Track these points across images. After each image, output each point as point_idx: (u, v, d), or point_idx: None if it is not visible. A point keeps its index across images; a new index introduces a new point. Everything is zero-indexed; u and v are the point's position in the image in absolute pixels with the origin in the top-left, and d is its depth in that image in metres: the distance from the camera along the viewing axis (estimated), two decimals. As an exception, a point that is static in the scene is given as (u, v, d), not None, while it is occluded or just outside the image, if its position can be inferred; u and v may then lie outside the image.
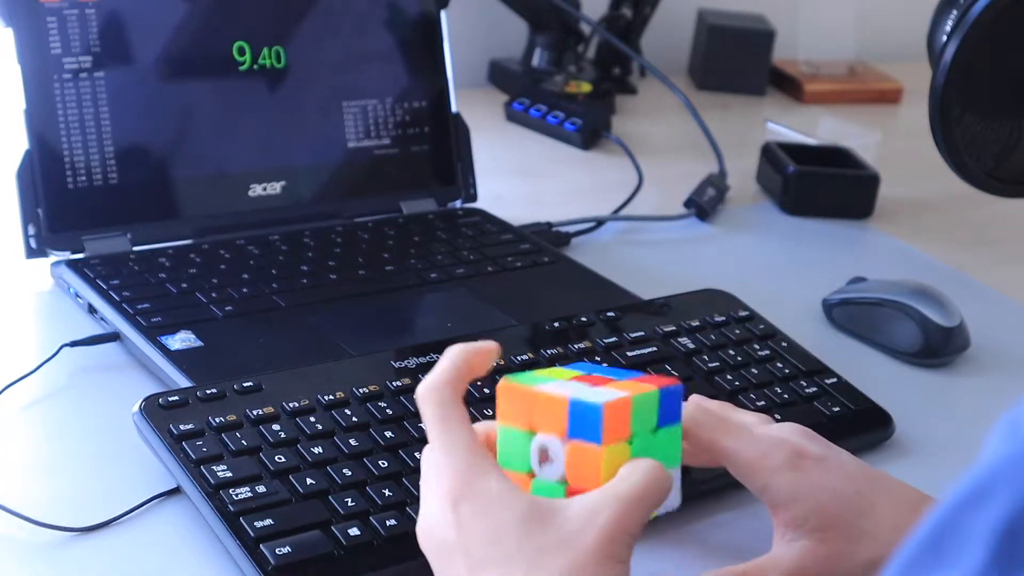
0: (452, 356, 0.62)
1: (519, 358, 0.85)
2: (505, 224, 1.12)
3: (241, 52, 1.05)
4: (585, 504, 0.56)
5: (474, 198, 1.16)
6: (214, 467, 0.71)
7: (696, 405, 0.66)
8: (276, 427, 0.75)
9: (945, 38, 0.85)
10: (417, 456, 0.74)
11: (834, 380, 0.90)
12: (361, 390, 0.79)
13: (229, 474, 0.71)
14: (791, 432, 0.67)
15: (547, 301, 1.00)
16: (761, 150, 1.34)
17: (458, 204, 1.15)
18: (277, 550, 0.67)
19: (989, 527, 0.35)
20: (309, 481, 0.72)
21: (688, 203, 1.25)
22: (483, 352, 0.62)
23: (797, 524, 0.63)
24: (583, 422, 0.60)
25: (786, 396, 0.87)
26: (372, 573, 0.68)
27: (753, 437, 0.65)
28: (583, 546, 0.54)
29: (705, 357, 0.90)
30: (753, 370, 0.89)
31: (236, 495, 0.70)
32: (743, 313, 0.96)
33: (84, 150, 0.99)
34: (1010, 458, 0.36)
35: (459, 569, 0.56)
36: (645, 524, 0.57)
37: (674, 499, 0.62)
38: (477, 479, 0.57)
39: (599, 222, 1.19)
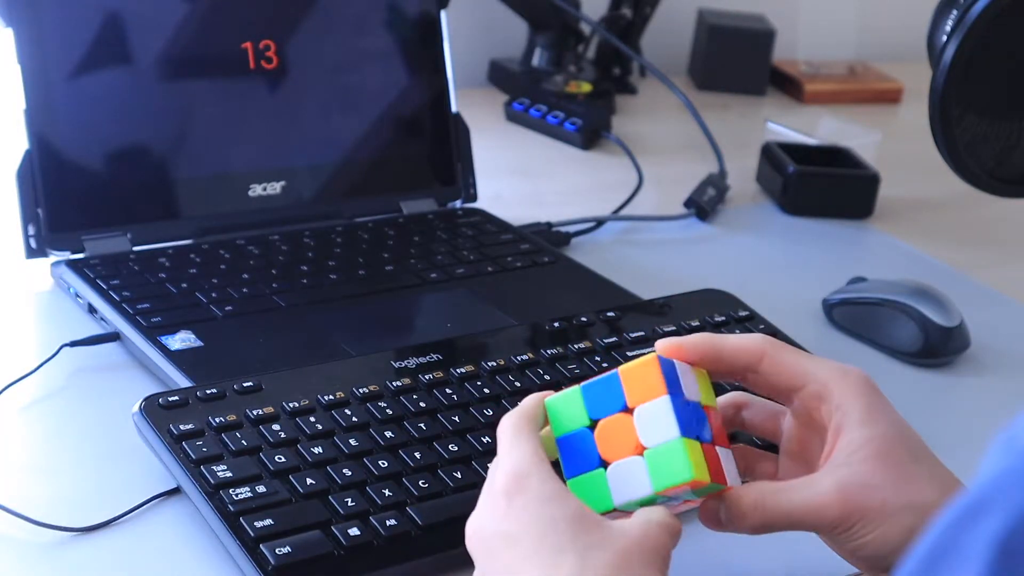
0: (533, 401, 0.64)
1: (519, 358, 0.85)
2: (505, 224, 1.12)
3: (241, 52, 1.05)
4: (630, 520, 0.58)
5: (474, 198, 1.16)
6: (214, 467, 0.71)
7: (767, 336, 0.66)
8: (276, 427, 0.75)
9: (945, 38, 0.85)
10: (417, 456, 0.75)
11: (834, 380, 0.90)
12: (361, 390, 0.79)
13: (229, 474, 0.71)
14: (855, 366, 0.66)
15: (547, 301, 1.00)
16: (761, 150, 1.34)
17: (458, 204, 1.15)
18: (277, 550, 0.67)
19: (986, 542, 0.35)
20: (309, 481, 0.72)
21: (688, 203, 1.25)
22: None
23: (856, 447, 0.61)
24: (602, 397, 0.62)
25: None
26: (372, 573, 0.68)
27: (828, 361, 0.65)
28: (627, 546, 0.56)
29: (705, 357, 0.90)
30: (753, 370, 0.89)
31: (236, 495, 0.70)
32: (743, 313, 0.96)
33: (84, 150, 0.99)
34: (1007, 474, 0.36)
35: (507, 558, 0.57)
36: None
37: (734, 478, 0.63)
38: (532, 477, 0.58)
39: (599, 222, 1.19)
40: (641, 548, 0.56)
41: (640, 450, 0.61)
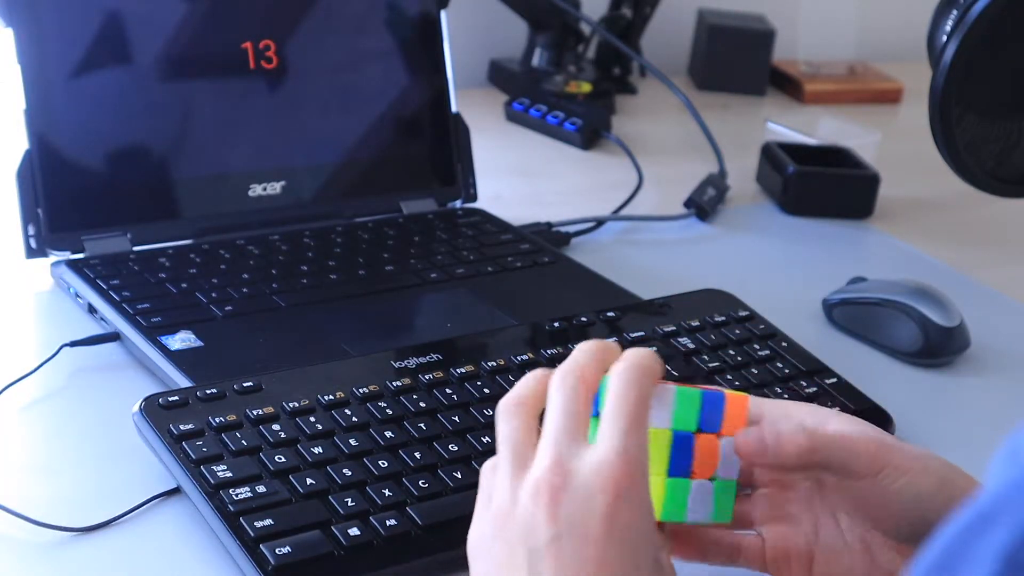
0: (657, 359, 0.59)
1: (519, 358, 0.85)
2: (505, 224, 1.12)
3: (241, 52, 1.05)
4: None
5: (474, 198, 1.16)
6: (214, 467, 0.71)
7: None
8: (276, 427, 0.75)
9: (945, 38, 0.85)
10: (417, 456, 0.75)
11: (834, 380, 0.90)
12: (361, 390, 0.79)
13: (229, 474, 0.71)
14: None
15: (547, 301, 1.00)
16: (761, 150, 1.34)
17: (458, 204, 1.15)
18: (277, 550, 0.67)
19: (993, 554, 0.35)
20: (309, 481, 0.72)
21: (688, 203, 1.25)
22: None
23: (853, 422, 0.62)
24: (711, 412, 0.62)
25: (786, 396, 0.87)
26: (372, 573, 0.68)
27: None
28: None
29: (705, 357, 0.90)
30: (753, 370, 0.89)
31: (236, 495, 0.70)
32: (743, 313, 0.96)
33: (84, 150, 0.99)
34: (1013, 485, 0.36)
35: (592, 555, 0.53)
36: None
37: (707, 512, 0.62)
38: (640, 477, 0.54)
39: (599, 222, 1.19)
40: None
41: (711, 476, 0.61)
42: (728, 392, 0.62)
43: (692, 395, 0.61)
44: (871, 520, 0.62)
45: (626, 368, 0.56)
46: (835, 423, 0.63)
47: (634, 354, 0.57)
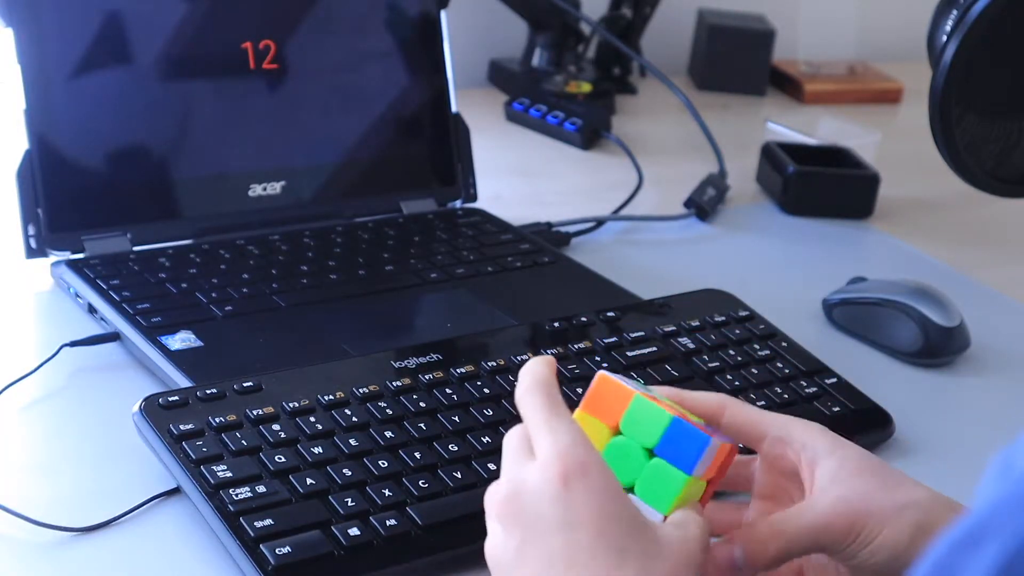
0: (544, 361, 0.61)
1: (519, 358, 0.85)
2: (505, 224, 1.12)
3: (241, 52, 1.05)
4: (673, 531, 0.57)
5: (474, 198, 1.16)
6: (214, 467, 0.71)
7: (723, 395, 0.66)
8: (276, 427, 0.75)
9: (945, 38, 0.85)
10: (417, 456, 0.75)
11: (834, 380, 0.90)
12: (361, 390, 0.79)
13: (229, 474, 0.71)
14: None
15: (547, 301, 1.00)
16: (761, 150, 1.34)
17: (458, 204, 1.15)
18: (277, 550, 0.67)
19: (985, 569, 0.35)
20: (309, 481, 0.72)
21: (688, 203, 1.25)
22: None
23: (835, 470, 0.62)
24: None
25: (786, 396, 0.87)
26: (372, 573, 0.68)
27: (783, 415, 0.66)
28: (680, 560, 0.55)
29: (705, 357, 0.90)
30: (753, 370, 0.89)
31: (236, 495, 0.70)
32: (743, 313, 0.96)
33: (84, 150, 0.99)
34: (1005, 500, 0.36)
35: (559, 542, 0.54)
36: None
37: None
38: (592, 466, 0.56)
39: (599, 222, 1.19)
40: (688, 563, 0.56)
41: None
42: (722, 445, 0.60)
43: (657, 414, 0.60)
44: (864, 571, 0.62)
45: (520, 389, 0.60)
46: (820, 465, 0.62)
47: (523, 369, 0.60)
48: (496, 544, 0.57)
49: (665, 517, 0.58)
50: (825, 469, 0.62)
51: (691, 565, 0.56)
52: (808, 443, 0.63)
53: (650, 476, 0.59)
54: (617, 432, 0.60)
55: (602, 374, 0.62)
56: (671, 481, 0.59)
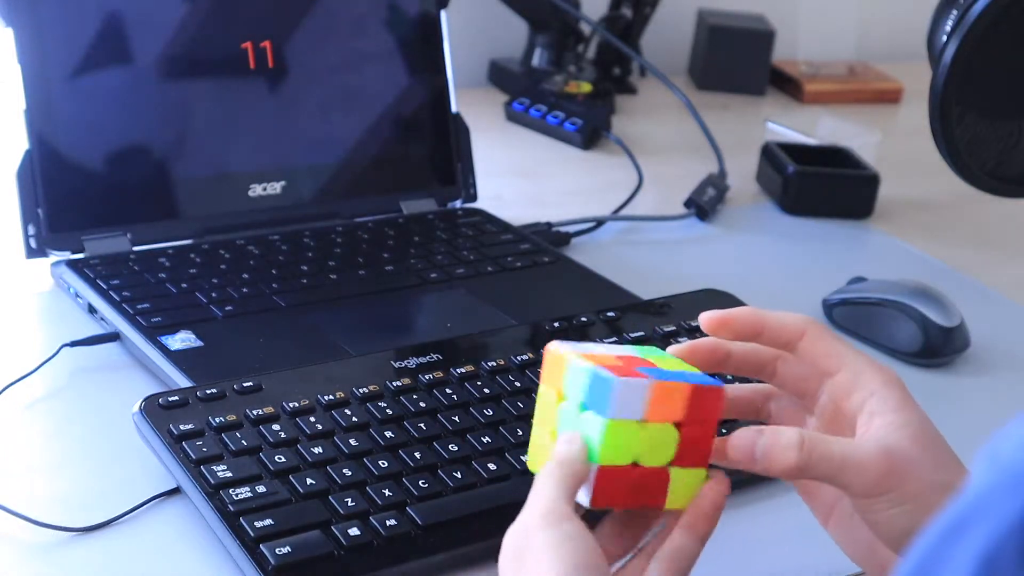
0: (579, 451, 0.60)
1: (519, 358, 0.85)
2: (505, 224, 1.12)
3: (241, 52, 1.05)
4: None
5: (474, 198, 1.16)
6: (214, 467, 0.71)
7: (807, 317, 0.64)
8: (276, 427, 0.75)
9: (945, 38, 0.85)
10: (417, 456, 0.75)
11: (834, 380, 0.90)
12: (361, 390, 0.79)
13: (229, 474, 0.71)
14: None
15: (547, 301, 1.00)
16: (761, 150, 1.34)
17: (458, 204, 1.15)
18: (277, 550, 0.67)
19: (970, 558, 0.35)
20: (309, 481, 0.72)
21: (688, 203, 1.25)
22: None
23: (893, 427, 0.60)
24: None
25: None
26: (372, 573, 0.68)
27: (863, 354, 0.63)
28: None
29: (705, 357, 0.90)
30: (753, 370, 0.89)
31: (236, 495, 0.70)
32: (743, 313, 0.96)
33: (84, 150, 0.99)
34: (990, 489, 0.36)
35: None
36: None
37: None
38: (556, 518, 0.56)
39: (599, 222, 1.19)
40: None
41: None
42: (657, 383, 0.59)
43: (582, 370, 0.59)
44: (866, 522, 0.61)
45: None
46: (882, 417, 0.60)
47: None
48: None
49: (603, 466, 0.58)
50: (884, 422, 0.60)
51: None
52: (879, 392, 0.61)
53: (583, 430, 0.59)
54: (562, 398, 0.60)
55: (548, 345, 0.62)
56: (593, 428, 0.58)
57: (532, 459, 0.62)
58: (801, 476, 0.59)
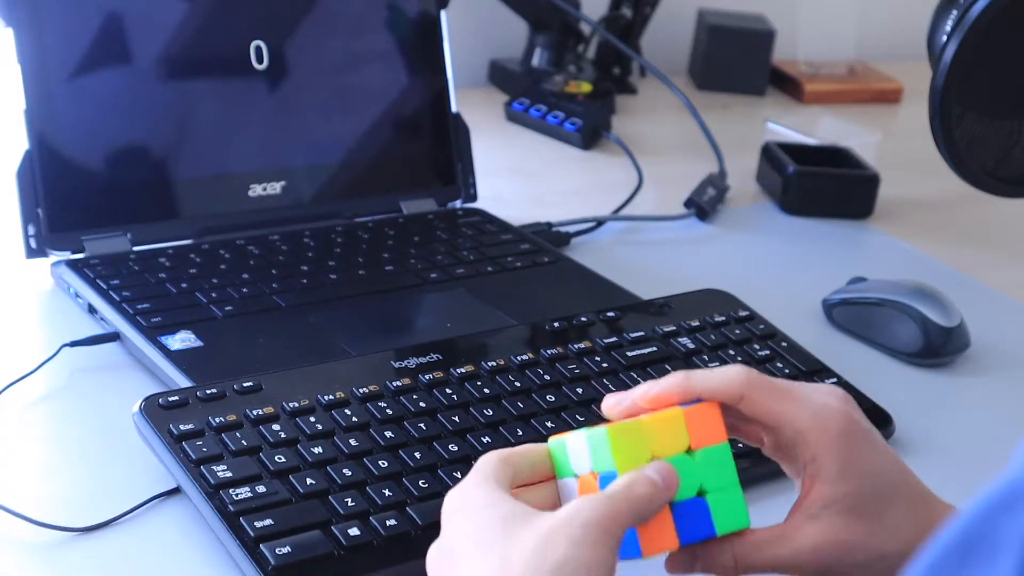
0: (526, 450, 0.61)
1: (519, 358, 0.85)
2: (505, 224, 1.12)
3: (242, 52, 1.05)
4: (570, 504, 0.56)
5: (474, 198, 1.16)
6: (214, 467, 0.71)
7: (748, 370, 0.63)
8: (276, 427, 0.75)
9: (945, 38, 0.85)
10: (417, 456, 0.75)
11: (834, 380, 0.90)
12: (361, 390, 0.79)
13: (229, 474, 0.71)
14: (839, 400, 0.63)
15: (547, 301, 1.00)
16: (761, 150, 1.34)
17: (458, 204, 1.15)
18: (277, 550, 0.67)
19: (1020, 534, 0.35)
20: (309, 481, 0.72)
21: (688, 203, 1.25)
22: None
23: (829, 502, 0.60)
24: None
25: (786, 396, 0.87)
26: (372, 573, 0.68)
27: (809, 403, 0.62)
28: (552, 526, 0.54)
29: (705, 357, 0.90)
30: (753, 370, 0.89)
31: (236, 495, 0.70)
32: (743, 313, 0.96)
33: (84, 150, 0.99)
34: None
35: (448, 572, 0.56)
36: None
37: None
38: (473, 489, 0.58)
39: (599, 222, 1.19)
40: (570, 524, 0.54)
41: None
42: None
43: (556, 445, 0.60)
44: None
45: None
46: (823, 491, 0.61)
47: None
48: None
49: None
50: (820, 496, 0.61)
51: (582, 524, 0.54)
52: (819, 458, 0.61)
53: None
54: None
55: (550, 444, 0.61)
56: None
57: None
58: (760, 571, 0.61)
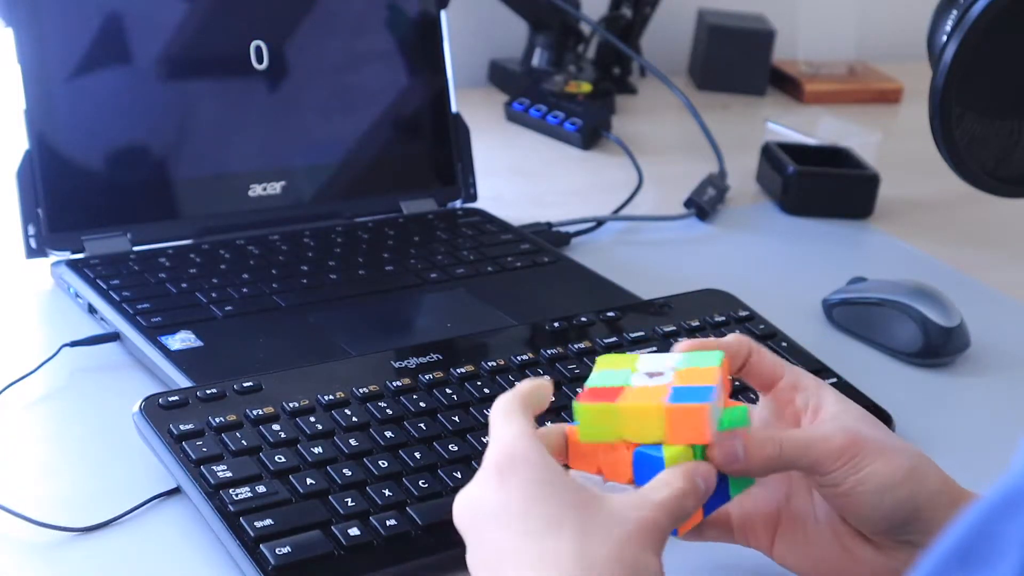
0: (527, 384, 0.63)
1: (519, 358, 0.85)
2: (505, 224, 1.12)
3: (242, 52, 1.05)
4: (628, 498, 0.58)
5: (474, 198, 1.16)
6: (214, 467, 0.71)
7: (742, 337, 0.68)
8: (276, 427, 0.75)
9: (945, 38, 0.85)
10: (417, 456, 0.75)
11: (834, 380, 0.90)
12: (361, 390, 0.79)
13: (229, 474, 0.71)
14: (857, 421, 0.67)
15: (547, 301, 1.00)
16: (761, 150, 1.34)
17: (458, 204, 1.15)
18: (277, 550, 0.67)
19: (1020, 536, 0.35)
20: (309, 481, 0.72)
21: (688, 203, 1.25)
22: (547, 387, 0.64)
23: (840, 413, 0.66)
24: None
25: (786, 396, 0.87)
26: (372, 573, 0.68)
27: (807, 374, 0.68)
28: (627, 534, 0.55)
29: (705, 357, 0.90)
30: (753, 370, 0.89)
31: (236, 495, 0.70)
32: (743, 313, 0.96)
33: (84, 150, 0.99)
34: None
35: (498, 537, 0.56)
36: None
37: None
38: (525, 457, 0.57)
39: (599, 222, 1.19)
40: (640, 534, 0.55)
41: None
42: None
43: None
44: (839, 508, 0.64)
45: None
46: (824, 410, 0.66)
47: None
48: (468, 555, 0.58)
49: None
50: (827, 413, 0.66)
51: (647, 534, 0.56)
52: (818, 392, 0.67)
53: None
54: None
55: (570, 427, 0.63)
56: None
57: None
58: (776, 465, 0.63)
